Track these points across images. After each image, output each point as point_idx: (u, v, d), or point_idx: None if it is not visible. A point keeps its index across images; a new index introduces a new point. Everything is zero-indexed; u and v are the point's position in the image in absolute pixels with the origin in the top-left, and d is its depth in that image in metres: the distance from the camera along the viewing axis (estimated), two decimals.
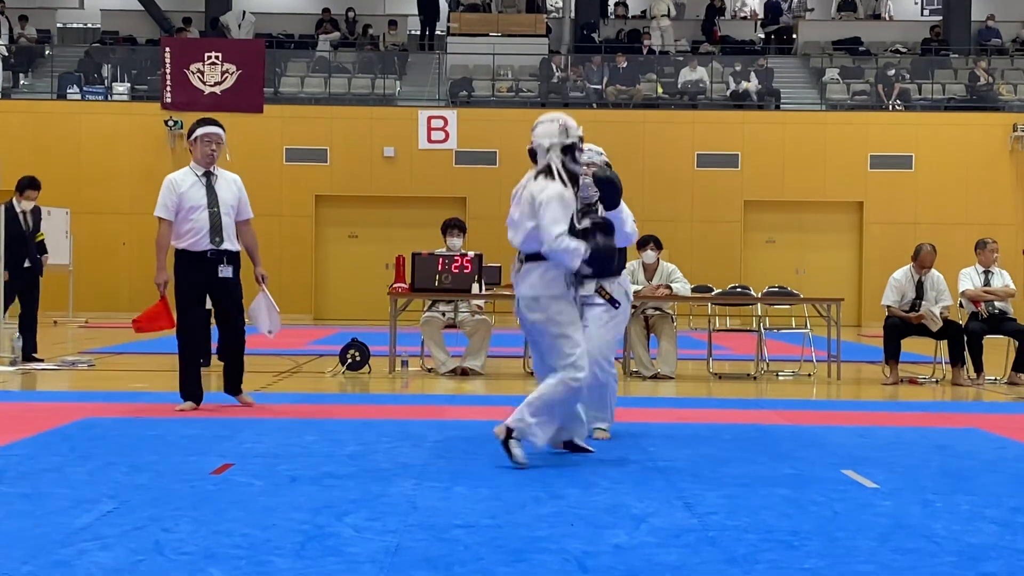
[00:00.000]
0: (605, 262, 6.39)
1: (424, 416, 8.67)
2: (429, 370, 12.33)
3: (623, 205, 6.86)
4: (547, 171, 6.49)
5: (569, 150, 6.53)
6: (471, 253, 12.10)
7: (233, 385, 9.06)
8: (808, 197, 24.75)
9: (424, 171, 24.28)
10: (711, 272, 22.04)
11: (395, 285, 12.27)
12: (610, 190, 6.68)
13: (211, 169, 8.85)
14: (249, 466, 6.28)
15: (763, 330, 12.87)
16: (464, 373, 11.93)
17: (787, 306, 13.48)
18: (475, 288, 11.89)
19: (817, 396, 11.23)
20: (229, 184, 8.90)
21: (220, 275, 8.76)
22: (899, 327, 12.07)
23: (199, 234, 8.70)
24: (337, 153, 24.49)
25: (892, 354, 12.04)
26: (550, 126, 6.58)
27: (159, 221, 8.75)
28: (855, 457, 6.91)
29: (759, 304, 13.11)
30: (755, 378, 12.34)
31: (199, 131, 8.83)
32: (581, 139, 6.60)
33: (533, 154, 6.61)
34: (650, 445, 7.25)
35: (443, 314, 12.28)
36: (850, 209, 25.02)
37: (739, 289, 13.52)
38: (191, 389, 8.86)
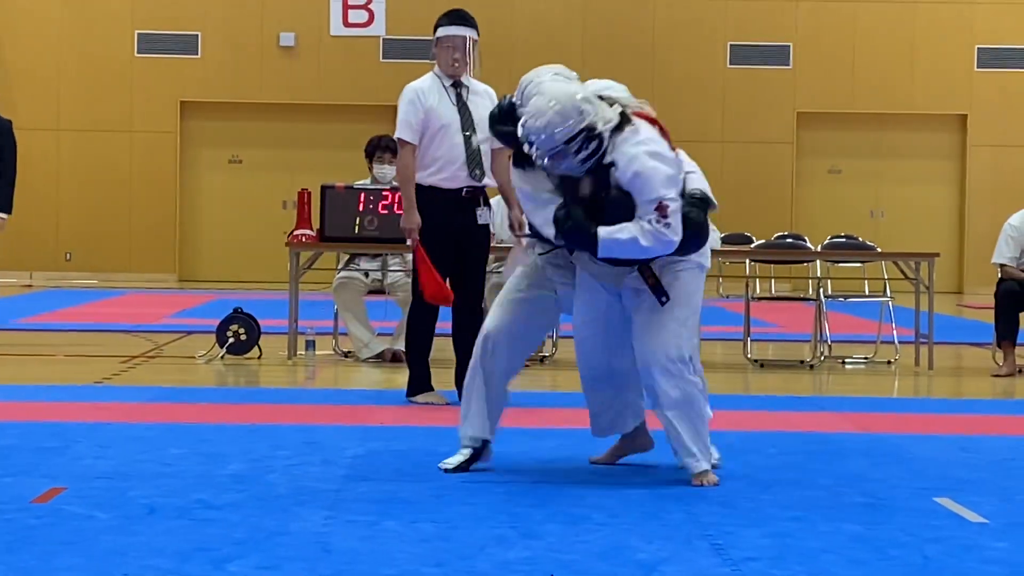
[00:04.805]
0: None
1: (339, 420, 8.68)
2: (346, 354, 12.34)
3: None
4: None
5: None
6: None
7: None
8: (889, 108, 24.79)
9: (339, 68, 24.15)
10: (750, 215, 22.07)
11: (296, 232, 12.25)
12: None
13: (461, 79, 9.30)
14: (88, 491, 6.27)
15: (824, 299, 12.91)
16: (396, 359, 11.95)
17: (858, 264, 13.51)
18: None
19: (900, 393, 11.25)
20: (483, 99, 9.29)
21: (479, 222, 9.26)
22: (1018, 295, 12.14)
23: (454, 165, 9.13)
24: (212, 41, 24.31)
25: (1007, 333, 12.09)
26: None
27: (401, 144, 9.20)
28: (954, 479, 6.96)
29: (818, 261, 13.13)
30: (812, 367, 12.40)
31: (440, 32, 9.28)
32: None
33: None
34: (662, 462, 7.28)
35: (366, 275, 12.29)
36: (949, 125, 25.06)
37: (789, 240, 13.51)
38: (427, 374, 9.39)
